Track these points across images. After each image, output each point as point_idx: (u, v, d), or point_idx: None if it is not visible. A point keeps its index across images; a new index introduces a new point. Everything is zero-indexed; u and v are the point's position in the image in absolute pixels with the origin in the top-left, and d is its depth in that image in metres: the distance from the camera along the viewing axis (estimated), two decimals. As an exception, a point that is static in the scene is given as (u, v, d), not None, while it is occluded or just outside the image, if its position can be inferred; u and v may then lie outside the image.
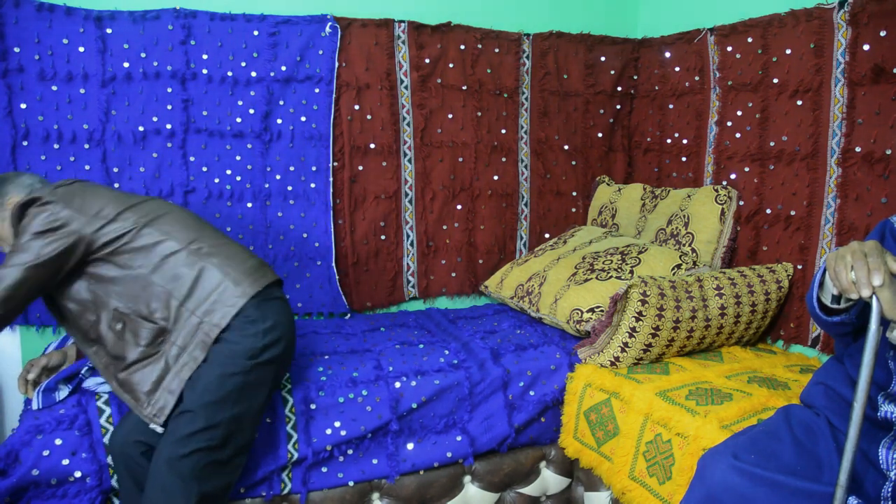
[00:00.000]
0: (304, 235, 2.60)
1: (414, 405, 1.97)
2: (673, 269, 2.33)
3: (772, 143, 2.32)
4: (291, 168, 2.55)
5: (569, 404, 2.11)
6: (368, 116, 2.63)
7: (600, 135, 3.02)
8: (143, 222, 1.70)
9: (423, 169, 2.76)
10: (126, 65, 2.29)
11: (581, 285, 2.32)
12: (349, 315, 2.68)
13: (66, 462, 1.65)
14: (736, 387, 1.85)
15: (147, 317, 1.67)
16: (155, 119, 2.35)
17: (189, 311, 1.66)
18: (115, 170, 2.32)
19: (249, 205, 2.52)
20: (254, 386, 1.66)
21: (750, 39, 2.37)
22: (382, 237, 2.73)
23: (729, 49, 2.47)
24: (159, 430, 1.62)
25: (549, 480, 2.19)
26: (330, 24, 2.51)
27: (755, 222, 2.37)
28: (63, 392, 1.81)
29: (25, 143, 2.21)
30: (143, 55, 2.30)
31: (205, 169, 2.44)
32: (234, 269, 1.71)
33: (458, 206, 2.83)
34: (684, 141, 2.73)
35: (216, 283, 1.68)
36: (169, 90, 2.35)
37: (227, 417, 1.61)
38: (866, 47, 1.97)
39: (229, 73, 2.42)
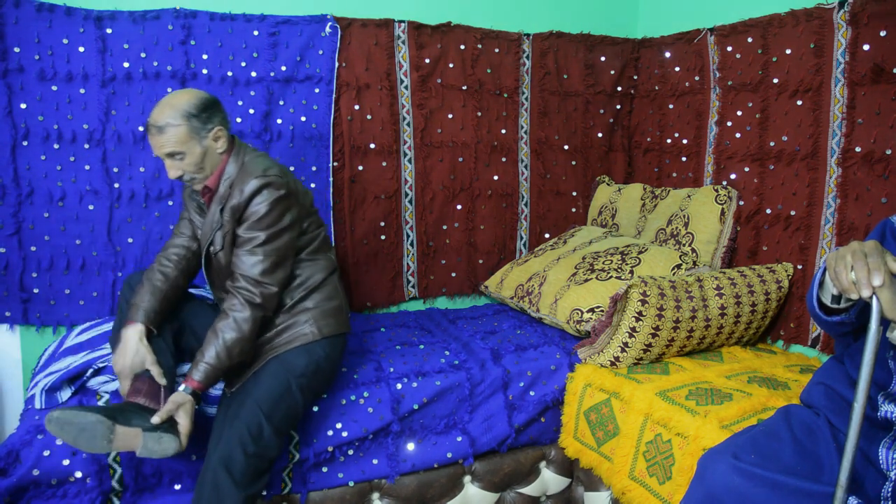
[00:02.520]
0: (305, 235, 2.60)
1: (415, 406, 1.97)
2: (673, 269, 2.33)
3: (772, 143, 2.32)
4: (291, 168, 2.55)
5: (569, 404, 2.11)
6: (368, 116, 2.63)
7: (600, 135, 3.02)
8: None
9: (423, 169, 2.76)
10: (126, 65, 2.29)
11: (581, 285, 2.32)
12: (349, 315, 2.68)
13: (66, 462, 1.65)
14: (736, 387, 1.85)
15: None
16: (155, 119, 2.35)
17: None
18: (115, 170, 2.32)
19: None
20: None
21: (750, 39, 2.37)
22: (382, 237, 2.73)
23: (729, 49, 2.47)
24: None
25: (549, 480, 2.19)
26: (330, 24, 2.51)
27: (755, 222, 2.37)
28: (66, 393, 1.81)
29: (25, 143, 2.21)
30: (143, 55, 2.30)
31: (205, 169, 2.44)
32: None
33: (458, 206, 2.83)
34: (684, 141, 2.73)
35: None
36: (169, 90, 2.35)
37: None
38: (866, 47, 1.97)
39: (229, 73, 2.42)
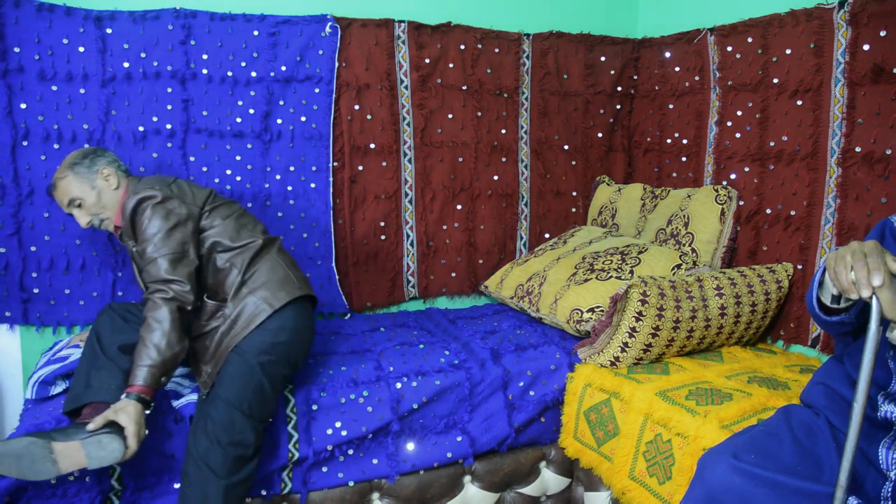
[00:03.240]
0: (304, 235, 2.60)
1: (415, 406, 1.97)
2: (673, 269, 2.33)
3: (772, 143, 2.32)
4: (291, 168, 2.55)
5: (569, 404, 2.11)
6: (368, 116, 2.63)
7: (600, 135, 3.02)
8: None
9: (423, 169, 2.76)
10: (126, 65, 2.29)
11: (581, 285, 2.32)
12: (349, 315, 2.68)
13: (66, 462, 1.65)
14: (736, 387, 1.85)
15: None
16: (155, 119, 2.35)
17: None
18: (115, 170, 2.32)
19: (249, 205, 2.52)
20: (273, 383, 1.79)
21: (750, 39, 2.37)
22: (382, 237, 2.73)
23: (729, 49, 2.47)
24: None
25: (549, 480, 2.19)
26: (330, 24, 2.51)
27: (755, 222, 2.37)
28: (59, 387, 1.82)
29: (25, 143, 2.21)
30: (143, 55, 2.30)
31: (205, 169, 2.44)
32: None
33: (458, 206, 2.83)
34: (684, 141, 2.73)
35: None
36: (169, 90, 2.35)
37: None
38: (866, 47, 1.97)
39: (229, 73, 2.42)
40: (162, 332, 1.66)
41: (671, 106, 2.80)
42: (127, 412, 1.57)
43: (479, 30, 2.74)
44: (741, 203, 2.43)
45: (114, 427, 1.55)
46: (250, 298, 1.81)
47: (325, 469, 1.91)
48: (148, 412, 1.62)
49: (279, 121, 2.51)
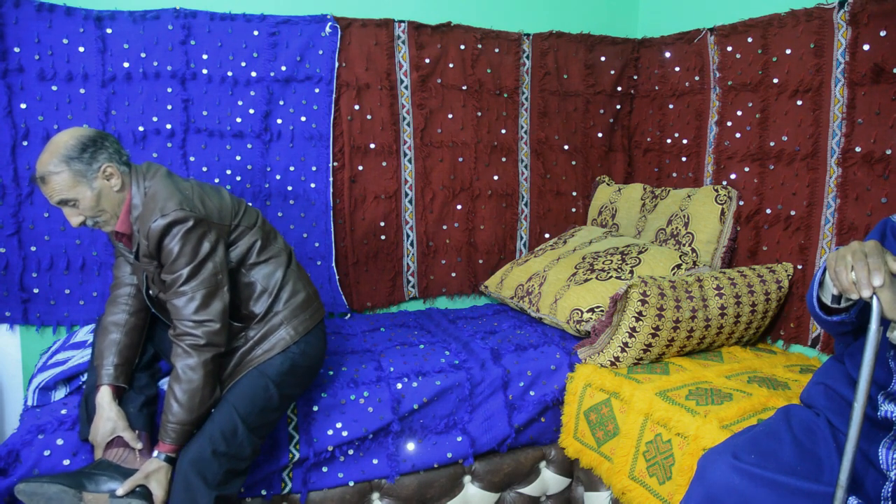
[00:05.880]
0: (304, 235, 2.60)
1: (415, 406, 1.97)
2: (673, 269, 2.33)
3: (772, 143, 2.32)
4: (291, 168, 2.55)
5: (569, 404, 2.11)
6: (368, 116, 2.63)
7: (600, 135, 3.02)
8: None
9: (423, 169, 2.76)
10: (126, 65, 2.29)
11: (581, 285, 2.32)
12: (349, 315, 2.68)
13: (66, 462, 1.65)
14: (736, 387, 1.85)
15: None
16: (155, 119, 2.35)
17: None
18: (115, 170, 2.32)
19: (249, 205, 2.51)
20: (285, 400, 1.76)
21: (750, 39, 2.37)
22: (382, 237, 2.73)
23: (729, 49, 2.47)
24: None
25: (549, 480, 2.19)
26: (330, 24, 2.51)
27: (755, 222, 2.37)
28: (60, 392, 1.81)
29: (25, 143, 2.21)
30: (143, 55, 2.30)
31: (205, 169, 2.44)
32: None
33: (458, 206, 2.83)
34: (684, 141, 2.73)
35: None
36: (169, 90, 2.35)
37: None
38: (866, 47, 1.97)
39: (229, 73, 2.42)
40: (194, 388, 1.56)
41: (671, 106, 2.80)
42: (157, 479, 1.54)
43: (479, 30, 2.74)
44: (741, 203, 2.43)
45: (142, 489, 1.54)
46: (276, 320, 1.74)
47: (325, 469, 1.91)
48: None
49: (279, 121, 2.51)
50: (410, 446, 1.99)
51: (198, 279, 1.59)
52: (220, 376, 1.67)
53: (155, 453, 1.58)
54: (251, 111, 2.46)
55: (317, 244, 2.62)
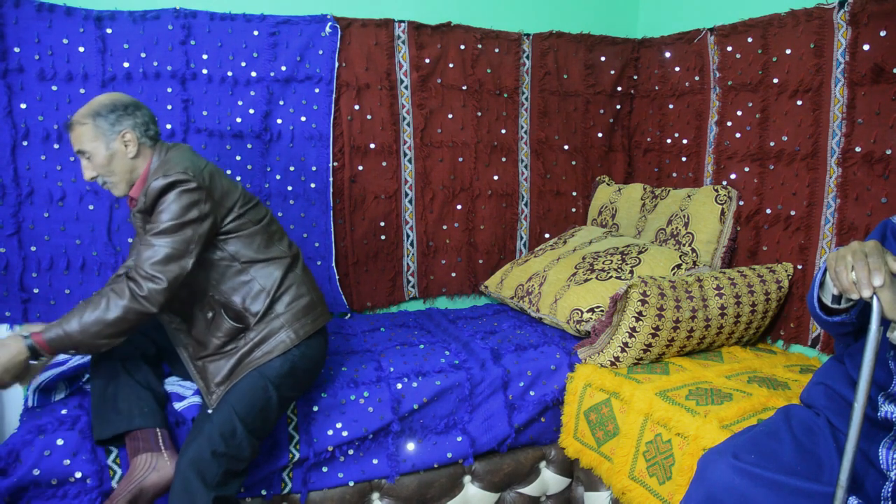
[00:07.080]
0: (304, 235, 2.60)
1: (415, 406, 1.97)
2: (673, 269, 2.33)
3: (772, 143, 2.32)
4: (291, 168, 2.55)
5: (569, 404, 2.11)
6: (368, 116, 2.63)
7: (600, 135, 3.02)
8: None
9: (423, 169, 2.76)
10: (126, 65, 2.29)
11: (581, 285, 2.32)
12: (349, 315, 2.68)
13: (66, 462, 1.65)
14: (736, 387, 1.85)
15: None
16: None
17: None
18: (115, 170, 2.32)
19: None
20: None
21: (750, 39, 2.37)
22: (382, 237, 2.73)
23: (729, 49, 2.47)
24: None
25: (549, 480, 2.19)
26: (330, 24, 2.51)
27: (755, 222, 2.38)
28: (61, 393, 1.81)
29: (25, 143, 2.21)
30: (143, 55, 2.30)
31: (205, 169, 2.44)
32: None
33: (458, 206, 2.83)
34: (684, 141, 2.73)
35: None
36: (169, 90, 2.35)
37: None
38: (866, 47, 1.97)
39: (229, 73, 2.42)
40: (103, 320, 1.53)
41: (671, 106, 2.80)
42: (5, 345, 1.50)
43: (479, 30, 2.74)
44: (741, 203, 2.43)
45: None
46: (276, 324, 1.74)
47: (325, 469, 1.91)
48: (34, 362, 1.56)
49: (279, 121, 2.51)
50: (410, 446, 1.99)
51: (170, 237, 1.60)
52: (128, 336, 1.62)
53: (26, 333, 1.53)
54: (251, 111, 2.46)
55: (317, 244, 2.62)
